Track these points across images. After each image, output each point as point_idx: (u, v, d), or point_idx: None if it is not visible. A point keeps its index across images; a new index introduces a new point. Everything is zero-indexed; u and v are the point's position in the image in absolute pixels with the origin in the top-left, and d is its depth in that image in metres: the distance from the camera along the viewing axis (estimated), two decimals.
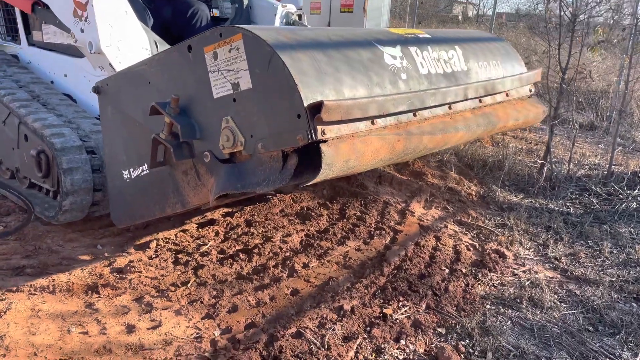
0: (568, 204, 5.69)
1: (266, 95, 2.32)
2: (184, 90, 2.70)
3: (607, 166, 6.43)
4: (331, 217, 4.56)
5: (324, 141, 2.25)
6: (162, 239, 3.95)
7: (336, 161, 2.28)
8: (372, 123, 2.51)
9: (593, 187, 6.01)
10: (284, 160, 2.34)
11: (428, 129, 2.83)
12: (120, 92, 3.13)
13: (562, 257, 4.28)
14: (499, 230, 4.75)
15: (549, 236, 4.68)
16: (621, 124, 6.47)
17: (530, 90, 3.78)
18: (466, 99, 3.08)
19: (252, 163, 2.45)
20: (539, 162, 6.25)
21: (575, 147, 6.96)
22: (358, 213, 4.66)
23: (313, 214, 4.54)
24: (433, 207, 5.04)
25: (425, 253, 3.95)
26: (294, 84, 2.19)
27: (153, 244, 3.82)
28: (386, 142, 2.56)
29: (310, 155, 2.29)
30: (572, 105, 8.04)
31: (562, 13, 5.57)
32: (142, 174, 3.16)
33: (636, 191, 5.92)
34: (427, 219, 4.70)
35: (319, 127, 2.21)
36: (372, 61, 2.68)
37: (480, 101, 3.27)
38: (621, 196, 5.85)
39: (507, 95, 3.53)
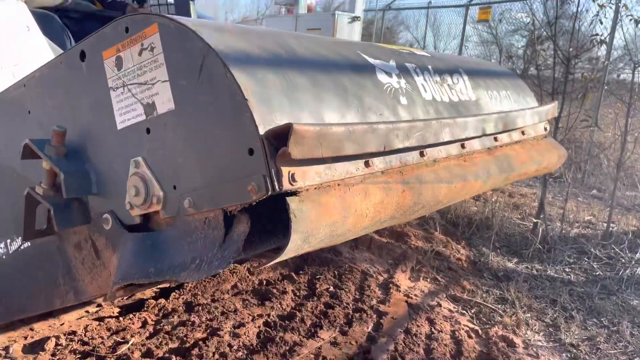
0: (567, 270, 4.98)
1: (197, 119, 1.42)
2: (74, 120, 1.77)
3: (605, 226, 5.77)
4: (298, 294, 3.57)
5: (294, 193, 1.34)
6: (65, 333, 2.86)
7: (315, 227, 1.37)
8: (367, 165, 1.62)
9: (592, 249, 5.34)
10: (226, 227, 1.41)
11: (442, 176, 1.96)
12: None
13: (580, 344, 3.51)
14: (500, 307, 3.91)
15: (557, 314, 3.95)
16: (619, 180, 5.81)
17: (546, 129, 3.01)
18: (483, 135, 2.25)
19: (175, 231, 1.51)
20: (534, 220, 5.49)
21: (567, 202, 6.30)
22: (331, 288, 3.69)
23: (275, 290, 3.55)
24: (421, 279, 4.13)
25: (419, 345, 3.00)
26: (242, 98, 1.30)
27: (50, 344, 2.72)
28: (389, 194, 1.67)
29: (271, 213, 1.39)
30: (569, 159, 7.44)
31: (556, 57, 4.97)
32: (22, 247, 2.14)
33: (638, 254, 5.27)
34: (415, 295, 3.78)
35: (285, 170, 1.31)
36: (362, 76, 1.82)
37: (495, 139, 2.45)
38: (623, 260, 5.20)
39: (523, 133, 2.73)
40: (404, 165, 1.80)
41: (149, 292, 3.43)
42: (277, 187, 1.28)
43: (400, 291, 3.80)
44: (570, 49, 4.97)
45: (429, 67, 2.29)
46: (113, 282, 1.56)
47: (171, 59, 1.44)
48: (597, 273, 4.80)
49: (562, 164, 3.18)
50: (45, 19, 3.70)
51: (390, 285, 3.85)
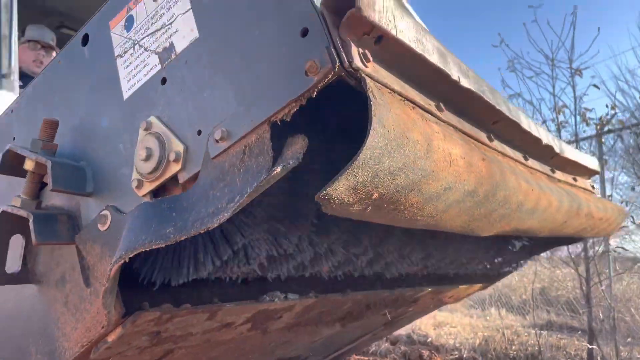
0: None
1: (227, 32, 1.13)
2: (70, 116, 1.46)
3: None
4: None
5: (366, 76, 0.99)
6: None
7: (397, 135, 0.99)
8: (439, 109, 1.29)
9: None
10: (275, 149, 1.01)
11: (516, 171, 1.60)
12: None
13: None
14: None
15: None
16: None
17: (593, 187, 2.71)
18: (547, 153, 1.95)
19: (202, 184, 1.09)
20: (589, 346, 4.79)
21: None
22: None
23: None
24: None
25: None
26: None
27: None
28: (469, 153, 1.30)
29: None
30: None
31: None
32: None
33: None
34: None
35: (355, 46, 0.98)
36: None
37: (552, 171, 2.14)
38: None
39: (574, 179, 2.43)
40: (475, 139, 1.46)
41: None
42: (345, 59, 0.94)
43: None
44: None
45: None
46: (114, 260, 1.07)
47: None
48: None
49: (623, 222, 2.80)
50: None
51: None
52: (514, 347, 5.66)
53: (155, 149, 1.17)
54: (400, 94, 1.10)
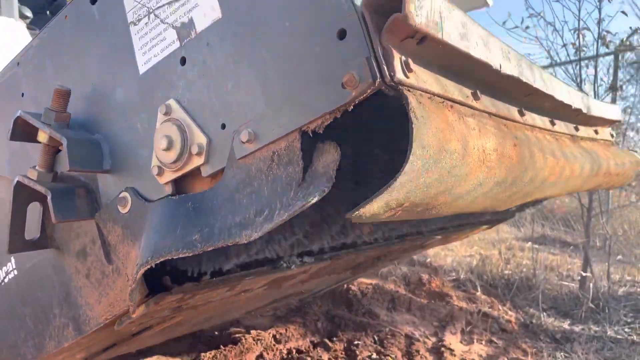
0: (627, 330, 4.42)
1: (255, 19, 1.02)
2: (82, 82, 1.37)
3: None
4: None
5: (407, 90, 0.92)
6: None
7: (438, 147, 0.94)
8: (475, 97, 1.21)
9: None
10: (305, 160, 0.96)
11: (545, 145, 1.55)
12: None
13: None
14: None
15: None
16: None
17: (612, 136, 2.65)
18: (570, 112, 1.87)
19: (228, 185, 1.05)
20: (583, 274, 4.96)
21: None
22: (374, 355, 3.10)
23: (308, 359, 2.95)
24: (475, 341, 3.54)
25: None
26: None
27: None
28: (501, 143, 1.24)
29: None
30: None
31: None
32: (7, 279, 1.64)
33: None
34: (473, 359, 3.18)
35: (396, 54, 0.89)
36: None
37: (576, 129, 2.07)
38: None
39: (596, 132, 2.36)
40: (509, 118, 1.39)
41: None
42: (387, 73, 0.86)
43: (455, 355, 3.21)
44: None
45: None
46: (138, 264, 1.07)
47: None
48: None
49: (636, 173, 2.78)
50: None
51: (443, 349, 3.26)
52: (509, 267, 5.86)
53: (177, 139, 1.11)
54: (439, 95, 1.03)
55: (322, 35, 0.92)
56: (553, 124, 1.81)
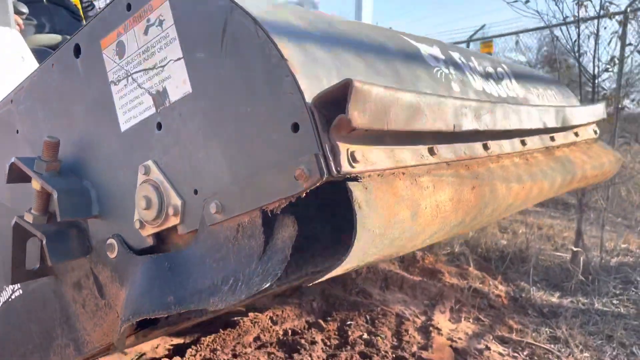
0: (615, 302, 4.57)
1: (221, 99, 1.11)
2: (70, 129, 1.47)
3: None
4: (328, 343, 3.16)
5: (354, 179, 1.02)
6: None
7: (384, 225, 1.04)
8: (432, 153, 1.30)
9: (638, 277, 4.94)
10: (266, 234, 1.07)
11: (510, 173, 1.64)
12: None
13: None
14: (554, 347, 3.49)
15: (616, 351, 3.53)
16: None
17: (595, 132, 2.71)
18: (543, 129, 1.94)
19: (199, 248, 1.17)
20: (573, 249, 5.08)
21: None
22: (365, 335, 3.28)
23: (302, 340, 3.14)
24: (462, 319, 3.71)
25: None
26: (279, 59, 1.00)
27: None
28: (458, 191, 1.34)
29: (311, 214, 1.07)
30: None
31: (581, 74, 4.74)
32: (13, 297, 1.79)
33: None
34: (459, 338, 3.36)
35: (343, 147, 0.99)
36: (412, 60, 1.53)
37: (552, 139, 2.15)
38: None
39: (576, 134, 2.43)
40: (470, 158, 1.48)
41: (161, 351, 3.03)
42: (334, 168, 0.96)
43: (442, 334, 3.39)
44: (596, 67, 4.75)
45: (472, 58, 2.01)
46: (122, 319, 1.21)
47: (185, 30, 1.15)
48: None
49: (619, 168, 2.85)
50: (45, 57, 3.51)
51: (431, 328, 3.44)
52: (505, 236, 6.01)
53: (155, 200, 1.22)
54: (391, 169, 1.12)
55: (278, 126, 1.02)
56: (524, 143, 1.89)
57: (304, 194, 1.00)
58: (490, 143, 1.62)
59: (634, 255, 5.67)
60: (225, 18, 1.07)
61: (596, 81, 4.71)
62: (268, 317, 3.42)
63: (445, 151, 1.36)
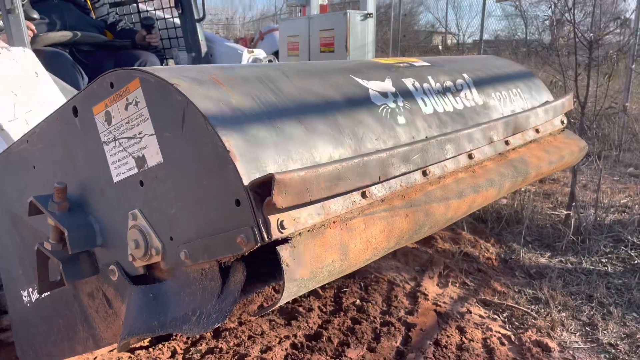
0: (604, 261, 4.80)
1: (184, 172, 1.41)
2: (75, 174, 1.79)
3: None
4: (324, 310, 3.56)
5: (285, 241, 1.32)
6: None
7: (311, 271, 1.34)
8: (364, 196, 1.58)
9: (629, 236, 5.12)
10: (223, 277, 1.40)
11: (451, 191, 1.91)
12: (4, 184, 2.20)
13: (619, 342, 3.39)
14: (533, 308, 3.80)
15: (594, 311, 3.83)
16: None
17: (562, 122, 2.91)
18: (491, 142, 2.18)
19: (176, 283, 1.51)
20: (564, 212, 5.32)
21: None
22: (358, 301, 3.66)
23: (301, 308, 3.54)
24: (449, 284, 4.05)
25: (449, 358, 2.95)
26: (223, 150, 1.29)
27: None
28: (390, 222, 1.63)
29: (268, 254, 1.38)
30: (598, 143, 7.16)
31: (577, 39, 4.80)
32: (43, 296, 2.19)
33: None
34: (444, 302, 3.71)
35: (273, 218, 1.29)
36: (355, 105, 1.79)
37: (507, 143, 2.38)
38: None
39: (537, 131, 2.64)
40: (406, 189, 1.75)
41: None
42: (265, 237, 1.27)
43: (428, 299, 3.74)
44: (592, 34, 4.79)
45: (429, 77, 2.24)
46: (120, 337, 1.57)
47: (155, 112, 1.44)
48: (636, 262, 4.61)
49: (583, 156, 3.06)
50: (55, 57, 3.77)
51: (418, 294, 3.80)
52: (505, 198, 6.22)
53: (141, 242, 1.55)
54: (320, 222, 1.41)
55: (226, 200, 1.31)
56: (472, 157, 2.13)
57: (246, 254, 1.31)
58: (431, 168, 1.88)
59: (630, 211, 5.83)
60: (183, 110, 1.35)
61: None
62: (271, 287, 3.82)
63: (378, 190, 1.63)
